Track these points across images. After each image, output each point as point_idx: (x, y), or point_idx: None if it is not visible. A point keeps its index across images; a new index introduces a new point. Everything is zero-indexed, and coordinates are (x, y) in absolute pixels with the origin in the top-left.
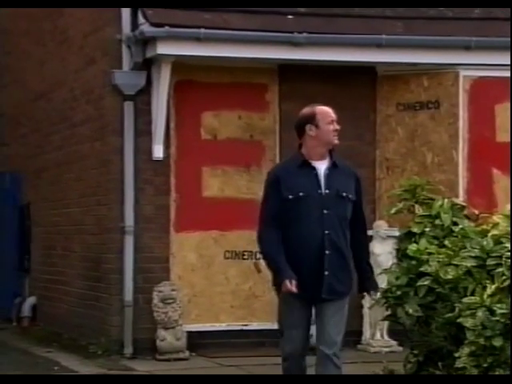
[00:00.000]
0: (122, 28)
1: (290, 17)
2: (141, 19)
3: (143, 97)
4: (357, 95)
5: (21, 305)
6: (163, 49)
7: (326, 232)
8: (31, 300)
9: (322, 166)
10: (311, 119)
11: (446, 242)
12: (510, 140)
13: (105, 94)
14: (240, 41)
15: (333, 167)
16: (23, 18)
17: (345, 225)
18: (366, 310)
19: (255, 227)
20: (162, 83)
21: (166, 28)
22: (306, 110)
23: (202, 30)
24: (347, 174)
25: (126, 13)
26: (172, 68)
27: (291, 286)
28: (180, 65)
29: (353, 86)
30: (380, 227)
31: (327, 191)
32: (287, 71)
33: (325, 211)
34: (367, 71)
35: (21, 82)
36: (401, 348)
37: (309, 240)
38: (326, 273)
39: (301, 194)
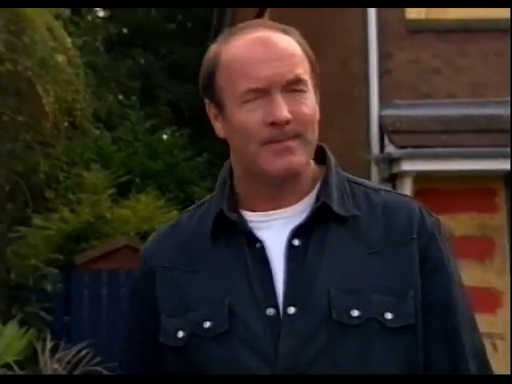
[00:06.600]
0: (372, 150)
1: None
2: (386, 142)
3: None
4: None
5: None
6: (407, 166)
7: None
8: None
9: (281, 224)
10: (207, 85)
11: None
12: None
13: None
14: (472, 157)
15: (320, 221)
16: None
17: None
18: None
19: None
20: (405, 192)
21: (409, 149)
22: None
23: (439, 149)
24: (390, 232)
25: (374, 138)
26: (413, 180)
27: None
28: (420, 177)
29: None
30: None
31: (294, 309)
32: None
33: None
34: None
35: None
36: None
37: None
38: None
39: (207, 324)
